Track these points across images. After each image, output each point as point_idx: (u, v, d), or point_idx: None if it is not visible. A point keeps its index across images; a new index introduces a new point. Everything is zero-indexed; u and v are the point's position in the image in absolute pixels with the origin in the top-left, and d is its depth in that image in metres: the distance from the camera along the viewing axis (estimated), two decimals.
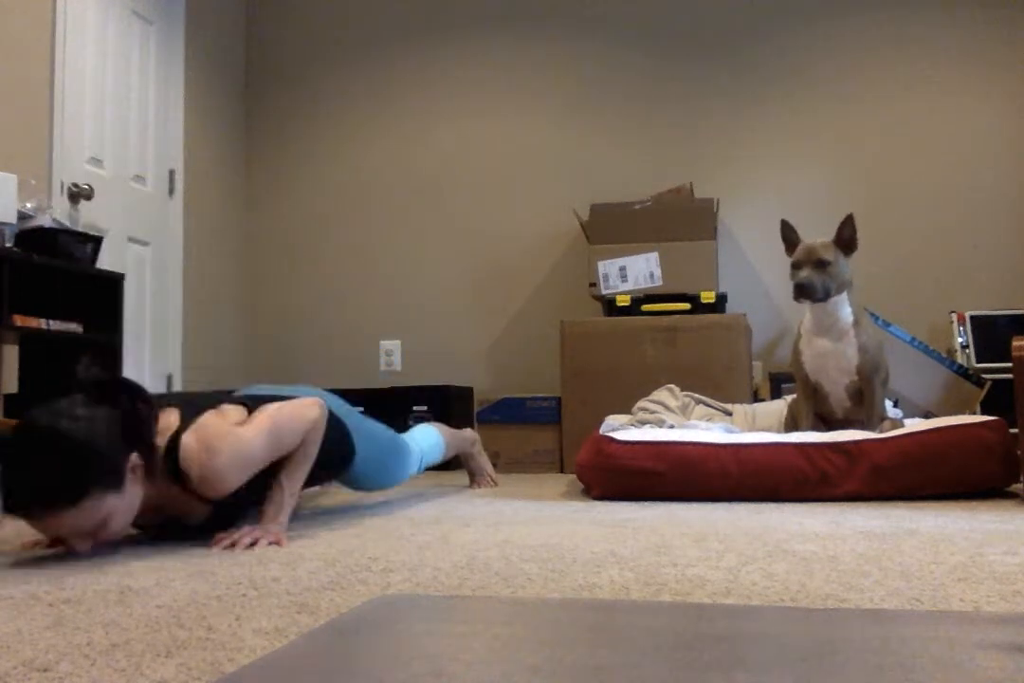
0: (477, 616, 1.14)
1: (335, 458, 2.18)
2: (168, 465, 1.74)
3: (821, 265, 2.72)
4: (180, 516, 1.87)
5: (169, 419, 1.80)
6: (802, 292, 2.71)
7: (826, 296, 2.74)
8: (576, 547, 1.71)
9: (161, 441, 1.75)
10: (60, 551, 1.74)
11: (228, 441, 1.76)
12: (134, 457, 1.66)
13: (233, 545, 1.75)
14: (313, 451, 1.95)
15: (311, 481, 2.10)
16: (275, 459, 1.89)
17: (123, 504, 1.64)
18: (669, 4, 4.45)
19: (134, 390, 1.72)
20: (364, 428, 2.36)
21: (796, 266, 2.77)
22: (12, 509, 1.58)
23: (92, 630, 1.09)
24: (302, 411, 1.95)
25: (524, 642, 0.98)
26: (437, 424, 2.87)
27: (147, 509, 1.77)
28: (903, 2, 4.26)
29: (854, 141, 4.25)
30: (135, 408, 1.70)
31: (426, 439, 2.72)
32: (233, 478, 1.77)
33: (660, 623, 1.07)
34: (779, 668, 0.87)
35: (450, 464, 4.03)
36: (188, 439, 1.75)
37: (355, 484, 2.39)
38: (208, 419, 1.80)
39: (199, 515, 1.87)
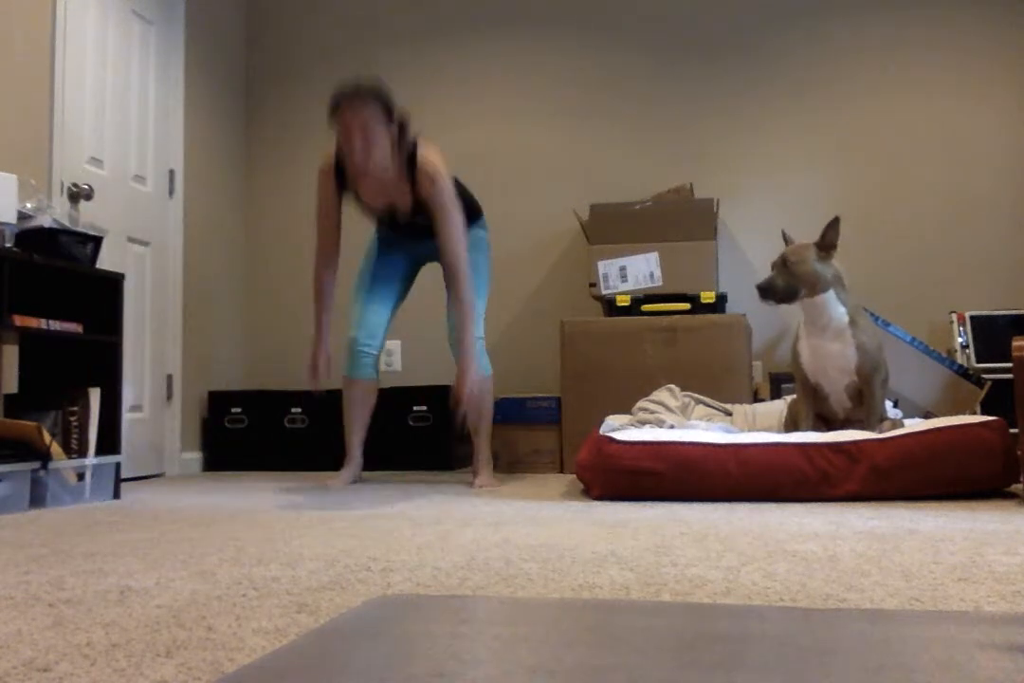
0: (477, 616, 1.14)
1: (472, 203, 3.23)
2: (408, 168, 2.97)
3: (784, 265, 2.80)
4: (395, 204, 3.06)
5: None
6: (762, 293, 2.82)
7: (791, 296, 2.79)
8: (576, 547, 1.71)
9: (403, 150, 2.98)
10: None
11: (447, 174, 3.00)
12: (395, 125, 2.93)
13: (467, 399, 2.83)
14: (461, 231, 2.99)
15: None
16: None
17: (383, 137, 2.90)
18: (669, 5, 4.45)
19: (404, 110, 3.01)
20: (488, 256, 3.34)
21: (772, 269, 2.88)
22: (349, 95, 2.87)
23: (92, 630, 1.09)
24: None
25: (524, 642, 0.98)
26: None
27: (378, 188, 3.04)
28: (903, 3, 4.26)
29: (854, 141, 4.26)
30: (405, 116, 3.01)
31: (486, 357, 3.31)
32: (447, 181, 2.97)
33: (660, 623, 1.07)
34: (779, 668, 0.87)
35: (451, 464, 4.03)
36: (429, 151, 2.99)
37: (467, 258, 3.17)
38: (433, 151, 3.03)
39: (404, 208, 3.06)
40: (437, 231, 2.98)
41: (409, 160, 2.97)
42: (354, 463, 3.24)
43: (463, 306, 2.97)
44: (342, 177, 3.09)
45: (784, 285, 2.78)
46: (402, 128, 2.95)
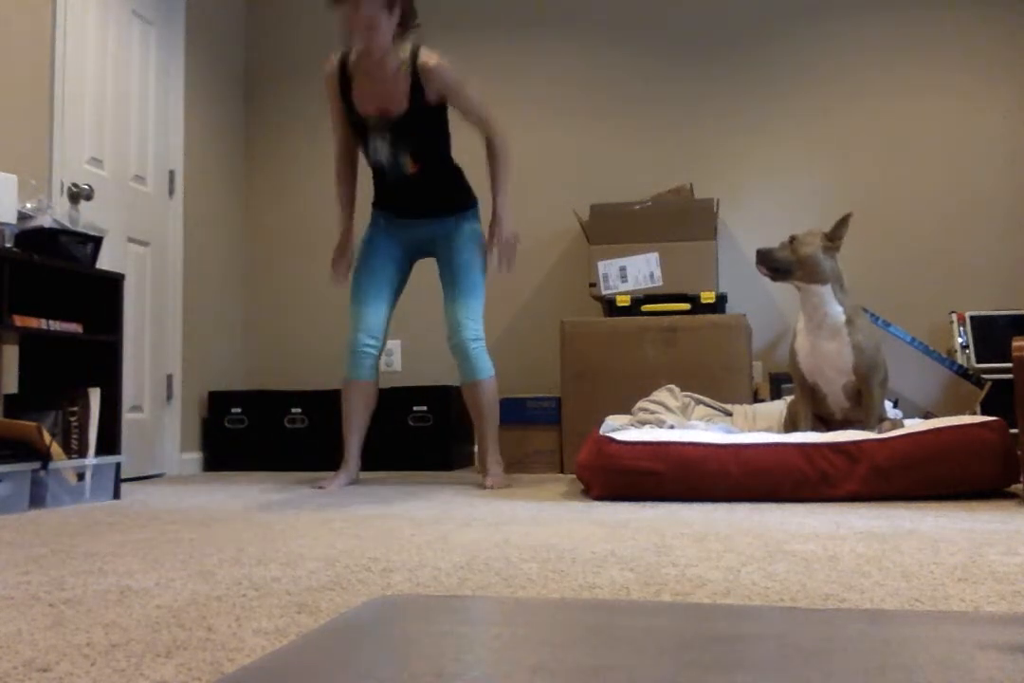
0: (477, 616, 1.14)
1: (465, 190, 3.33)
2: (410, 65, 3.01)
3: (792, 242, 2.86)
4: (388, 106, 3.06)
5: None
6: (758, 258, 2.87)
7: (784, 271, 2.84)
8: (576, 547, 1.71)
9: (403, 51, 3.04)
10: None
11: (452, 72, 3.07)
12: (398, 12, 2.99)
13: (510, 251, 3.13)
14: (510, 150, 3.31)
15: (444, 208, 3.27)
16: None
17: (385, 24, 2.95)
18: (670, 5, 4.45)
19: None
20: (482, 252, 3.31)
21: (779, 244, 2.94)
22: None
23: (92, 630, 1.09)
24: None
25: (524, 642, 0.98)
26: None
27: (374, 88, 3.06)
28: (903, 3, 4.26)
29: (854, 141, 4.26)
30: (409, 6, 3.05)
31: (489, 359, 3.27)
32: (450, 70, 3.04)
33: (660, 623, 1.07)
34: (779, 668, 0.87)
35: (452, 464, 4.03)
36: (432, 54, 3.04)
37: (452, 259, 3.22)
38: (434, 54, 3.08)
39: (399, 108, 3.05)
40: (461, 107, 3.11)
41: (411, 59, 3.03)
42: (351, 466, 3.23)
43: (500, 156, 3.25)
44: (345, 82, 3.14)
45: (783, 258, 2.83)
46: (404, 17, 3.02)
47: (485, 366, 3.17)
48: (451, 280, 3.22)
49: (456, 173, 3.28)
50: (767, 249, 2.86)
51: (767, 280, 4.23)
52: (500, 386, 4.40)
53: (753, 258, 4.26)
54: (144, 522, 2.22)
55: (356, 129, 3.18)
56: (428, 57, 3.02)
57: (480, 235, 3.29)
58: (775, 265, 2.84)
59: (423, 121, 3.10)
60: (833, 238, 2.82)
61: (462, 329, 3.14)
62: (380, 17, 2.91)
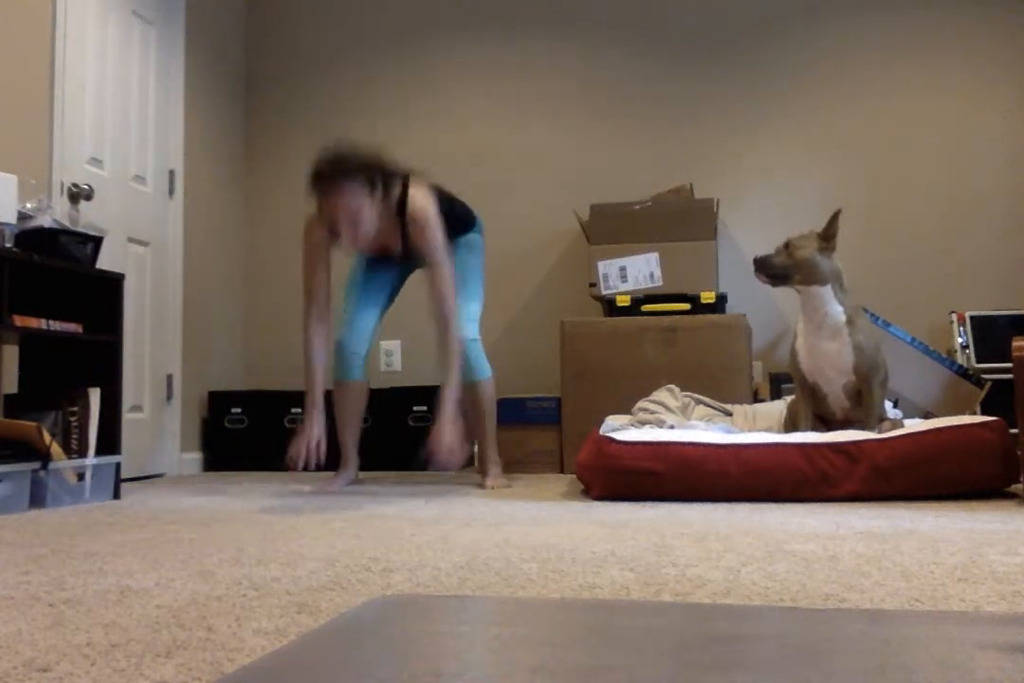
0: (477, 616, 1.14)
1: (463, 222, 3.22)
2: (399, 217, 2.97)
3: (787, 248, 2.84)
4: (388, 248, 3.08)
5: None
6: (756, 266, 2.87)
7: (783, 277, 2.83)
8: (576, 547, 1.71)
9: (391, 198, 2.94)
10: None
11: (434, 214, 2.97)
12: (378, 190, 2.84)
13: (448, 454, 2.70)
14: (451, 293, 2.96)
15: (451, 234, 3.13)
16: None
17: (370, 210, 2.81)
18: (669, 5, 4.45)
19: (388, 159, 2.94)
20: (482, 262, 3.33)
21: (774, 250, 2.93)
22: (321, 182, 2.77)
23: (92, 630, 1.09)
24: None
25: (524, 642, 0.98)
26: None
27: (376, 237, 2.94)
28: (903, 3, 4.26)
29: (854, 141, 4.26)
30: (388, 165, 2.91)
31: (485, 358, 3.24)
32: (435, 220, 2.94)
33: (660, 623, 1.07)
34: (779, 668, 0.87)
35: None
36: (416, 194, 2.96)
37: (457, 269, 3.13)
38: (422, 192, 3.00)
39: (397, 250, 3.08)
40: (429, 284, 2.97)
41: (399, 207, 2.97)
42: (351, 465, 3.23)
43: (451, 358, 2.89)
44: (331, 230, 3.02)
45: (780, 264, 2.82)
46: (387, 184, 2.89)
47: (483, 367, 3.17)
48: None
49: (454, 214, 3.19)
50: (763, 257, 2.86)
51: (754, 257, 4.23)
52: (500, 386, 4.40)
53: (753, 258, 4.27)
54: (144, 522, 2.22)
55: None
56: (415, 213, 2.94)
57: (479, 245, 3.30)
58: (773, 271, 2.83)
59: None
60: (827, 238, 2.82)
61: (460, 330, 3.11)
62: (363, 207, 2.80)
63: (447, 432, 2.75)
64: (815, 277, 2.79)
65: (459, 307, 3.14)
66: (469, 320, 3.17)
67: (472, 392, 3.15)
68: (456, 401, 2.82)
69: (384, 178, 2.87)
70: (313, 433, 2.81)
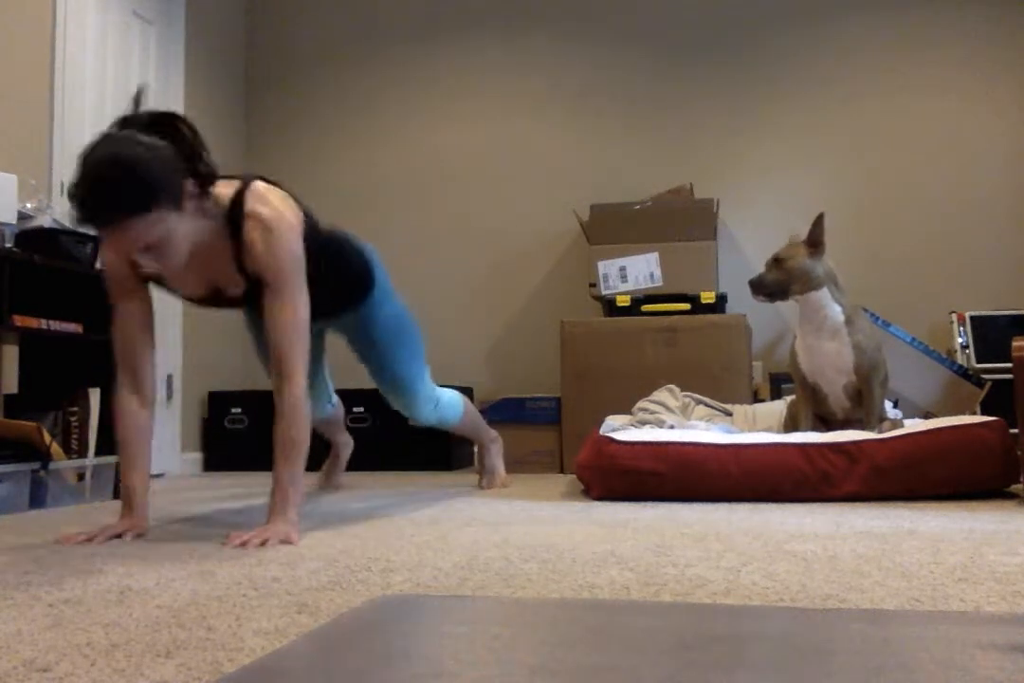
0: (477, 616, 1.14)
1: (355, 275, 2.32)
2: (230, 228, 1.91)
3: (776, 263, 2.84)
4: (222, 287, 2.02)
5: (225, 187, 1.93)
6: (753, 288, 2.85)
7: (781, 292, 2.83)
8: (576, 547, 1.71)
9: (220, 206, 1.90)
10: (89, 546, 1.74)
11: (290, 225, 1.93)
12: (191, 184, 1.79)
13: (244, 544, 1.77)
14: (304, 435, 1.95)
15: (328, 313, 2.33)
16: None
17: (181, 228, 1.79)
18: (669, 5, 4.45)
19: (189, 124, 1.86)
20: (393, 292, 2.51)
21: (764, 268, 2.91)
22: (89, 219, 1.72)
23: (92, 630, 1.09)
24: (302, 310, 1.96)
25: (524, 642, 0.98)
26: (464, 396, 2.91)
27: (193, 271, 1.96)
28: (903, 3, 4.26)
29: (854, 141, 4.25)
30: (190, 140, 1.82)
31: (447, 393, 2.77)
32: (295, 248, 1.92)
33: (660, 623, 1.07)
34: (779, 668, 0.86)
35: (452, 464, 4.03)
36: (255, 205, 1.90)
37: (367, 345, 2.47)
38: (275, 197, 1.95)
39: (236, 290, 2.01)
40: (266, 310, 1.95)
41: (231, 220, 1.92)
42: (343, 448, 3.15)
43: (284, 449, 1.94)
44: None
45: (774, 281, 2.82)
46: (204, 188, 1.85)
47: (452, 418, 2.78)
48: (377, 368, 2.57)
49: (346, 264, 2.32)
50: (758, 278, 2.85)
51: (748, 280, 4.23)
52: (500, 386, 4.41)
53: (753, 258, 4.27)
54: None
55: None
56: (256, 216, 1.91)
57: (386, 290, 2.50)
58: (770, 290, 2.83)
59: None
60: (814, 243, 2.82)
61: (412, 410, 2.64)
62: (168, 233, 1.77)
63: (278, 525, 1.86)
64: (811, 284, 2.80)
65: (402, 381, 2.55)
66: (426, 400, 2.62)
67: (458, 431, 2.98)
68: (290, 500, 1.91)
69: (195, 187, 1.82)
70: (134, 517, 1.96)
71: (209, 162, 1.85)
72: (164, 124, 1.81)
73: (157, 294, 2.09)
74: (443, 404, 2.72)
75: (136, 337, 2.00)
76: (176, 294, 2.11)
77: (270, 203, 1.93)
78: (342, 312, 2.43)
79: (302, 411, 1.94)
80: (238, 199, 1.92)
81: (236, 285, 2.00)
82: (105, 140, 1.75)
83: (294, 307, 1.93)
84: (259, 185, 1.96)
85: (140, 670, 0.91)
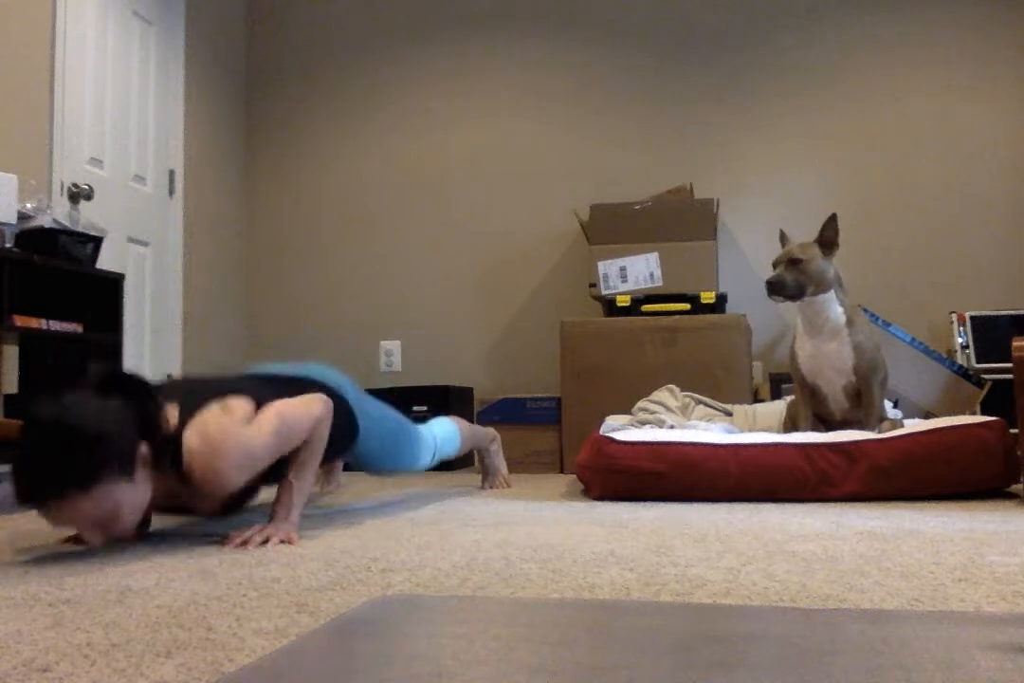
0: (477, 616, 1.14)
1: (338, 434, 2.15)
2: (171, 462, 1.73)
3: (793, 263, 2.78)
4: (193, 507, 1.90)
5: (169, 414, 1.78)
6: (771, 289, 2.77)
7: (799, 293, 2.78)
8: (576, 547, 1.71)
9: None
10: (82, 548, 1.74)
11: (233, 443, 1.73)
12: (144, 447, 1.66)
13: (245, 543, 1.77)
14: (320, 447, 1.94)
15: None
16: (281, 456, 1.89)
17: (134, 495, 1.62)
18: (669, 5, 4.45)
19: (140, 384, 1.73)
20: (372, 408, 2.39)
21: (773, 266, 2.85)
22: (25, 498, 1.55)
23: (92, 630, 1.09)
24: (309, 408, 1.94)
25: (524, 642, 0.98)
26: (455, 418, 2.86)
27: (159, 497, 1.79)
28: (903, 3, 4.26)
29: (854, 141, 4.25)
30: (142, 400, 1.69)
31: (441, 429, 2.72)
32: (237, 479, 1.75)
33: (660, 623, 1.07)
34: (779, 668, 0.86)
35: (453, 464, 4.03)
36: (191, 438, 1.72)
37: (365, 465, 2.40)
38: (211, 417, 1.76)
39: (209, 505, 1.89)
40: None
41: (175, 462, 1.75)
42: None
43: (302, 455, 1.93)
44: None
45: (794, 282, 2.76)
46: (159, 451, 1.70)
47: (452, 451, 2.72)
48: (378, 473, 2.53)
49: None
50: (778, 279, 2.76)
51: (767, 280, 4.23)
52: (500, 386, 4.41)
53: (753, 258, 4.27)
54: None
55: None
56: (196, 456, 1.72)
57: (381, 441, 2.40)
58: (791, 292, 2.76)
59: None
60: (826, 244, 2.81)
61: (416, 470, 2.59)
62: (118, 500, 1.60)
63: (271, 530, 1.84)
64: (824, 285, 2.78)
65: (404, 471, 2.53)
66: (426, 458, 2.58)
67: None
68: (294, 502, 1.89)
69: (153, 443, 1.68)
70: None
71: (160, 420, 1.71)
72: (121, 385, 1.69)
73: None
74: (440, 444, 2.66)
75: None
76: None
77: (205, 441, 1.72)
78: (329, 461, 2.32)
79: (325, 430, 1.96)
80: (174, 443, 1.73)
81: (210, 506, 1.90)
82: (52, 404, 1.59)
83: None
84: (190, 436, 1.73)
85: (140, 670, 0.91)
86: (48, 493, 1.54)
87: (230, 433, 1.74)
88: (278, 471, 1.93)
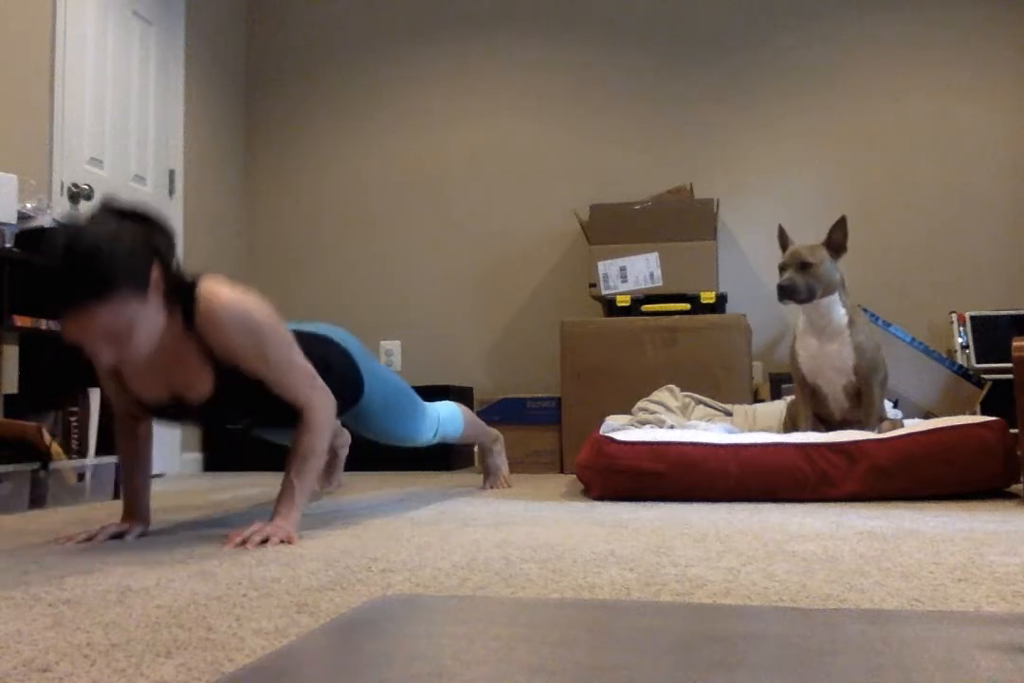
0: (477, 616, 1.14)
1: (342, 387, 2.16)
2: (184, 316, 1.80)
3: (804, 267, 2.75)
4: (184, 392, 1.89)
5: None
6: (784, 293, 2.75)
7: (810, 297, 2.76)
8: (576, 547, 1.71)
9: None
10: (89, 546, 1.74)
11: (255, 299, 1.85)
12: (157, 271, 1.71)
13: (245, 543, 1.76)
14: (323, 445, 1.94)
15: None
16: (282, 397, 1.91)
17: (147, 318, 1.70)
18: (669, 5, 4.45)
19: (155, 215, 1.78)
20: (379, 369, 2.39)
21: (781, 269, 2.82)
22: (46, 308, 1.64)
23: (92, 630, 1.09)
24: (322, 385, 1.96)
25: (524, 642, 0.98)
26: (459, 404, 2.86)
27: (154, 374, 1.87)
28: (903, 3, 4.26)
29: (854, 141, 4.25)
30: (157, 227, 1.76)
31: (446, 410, 2.73)
32: (260, 316, 1.82)
33: (660, 623, 1.07)
34: (779, 668, 0.86)
35: (452, 464, 4.03)
36: (208, 286, 1.81)
37: (368, 427, 2.40)
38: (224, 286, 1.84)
39: (202, 391, 1.88)
40: (298, 439, 1.92)
41: (186, 322, 1.81)
42: (340, 447, 3.12)
43: (306, 455, 1.90)
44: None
45: (805, 286, 2.74)
46: (170, 281, 1.76)
47: (454, 433, 2.73)
48: (383, 438, 2.51)
49: (329, 382, 2.06)
50: (789, 283, 2.74)
51: (767, 280, 4.23)
52: (500, 386, 4.41)
53: (753, 258, 4.27)
54: None
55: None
56: (219, 302, 1.80)
57: (385, 399, 2.39)
58: (804, 296, 2.75)
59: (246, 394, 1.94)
60: (837, 247, 2.80)
61: (416, 445, 2.60)
62: (133, 317, 1.67)
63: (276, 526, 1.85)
64: (832, 288, 2.78)
65: (406, 440, 2.52)
66: (428, 433, 2.59)
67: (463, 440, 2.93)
68: (296, 502, 1.89)
69: (160, 273, 1.73)
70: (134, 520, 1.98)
71: (175, 245, 1.79)
72: (138, 215, 1.75)
73: None
74: (443, 423, 2.67)
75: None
76: (137, 407, 1.97)
77: (231, 302, 1.81)
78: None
79: (330, 428, 1.96)
80: (189, 308, 1.80)
81: (202, 385, 1.86)
82: (71, 222, 1.68)
83: (320, 419, 1.92)
84: (210, 287, 1.82)
85: (140, 670, 0.91)
86: (66, 300, 1.61)
87: (255, 301, 1.85)
88: (275, 412, 1.95)
